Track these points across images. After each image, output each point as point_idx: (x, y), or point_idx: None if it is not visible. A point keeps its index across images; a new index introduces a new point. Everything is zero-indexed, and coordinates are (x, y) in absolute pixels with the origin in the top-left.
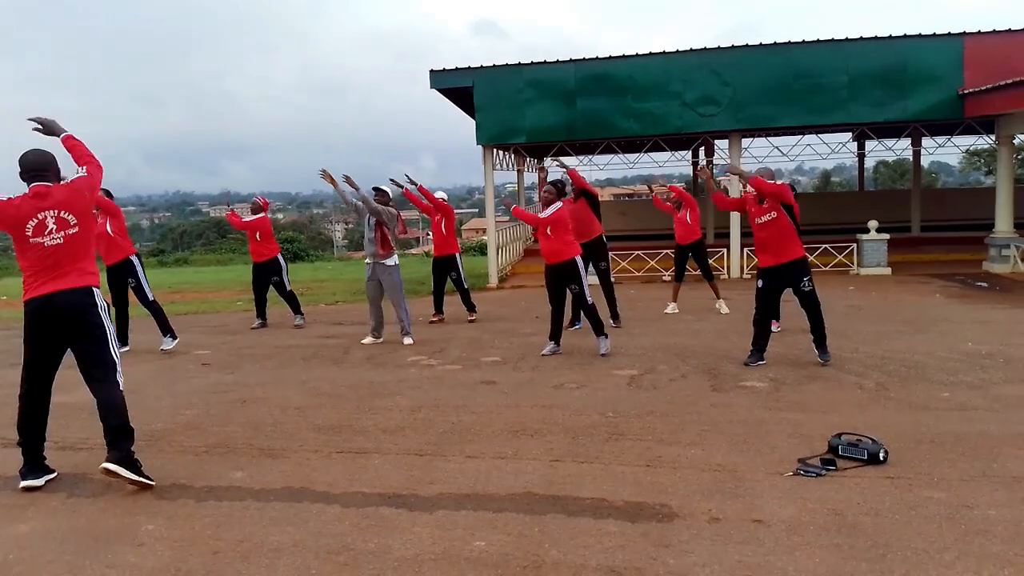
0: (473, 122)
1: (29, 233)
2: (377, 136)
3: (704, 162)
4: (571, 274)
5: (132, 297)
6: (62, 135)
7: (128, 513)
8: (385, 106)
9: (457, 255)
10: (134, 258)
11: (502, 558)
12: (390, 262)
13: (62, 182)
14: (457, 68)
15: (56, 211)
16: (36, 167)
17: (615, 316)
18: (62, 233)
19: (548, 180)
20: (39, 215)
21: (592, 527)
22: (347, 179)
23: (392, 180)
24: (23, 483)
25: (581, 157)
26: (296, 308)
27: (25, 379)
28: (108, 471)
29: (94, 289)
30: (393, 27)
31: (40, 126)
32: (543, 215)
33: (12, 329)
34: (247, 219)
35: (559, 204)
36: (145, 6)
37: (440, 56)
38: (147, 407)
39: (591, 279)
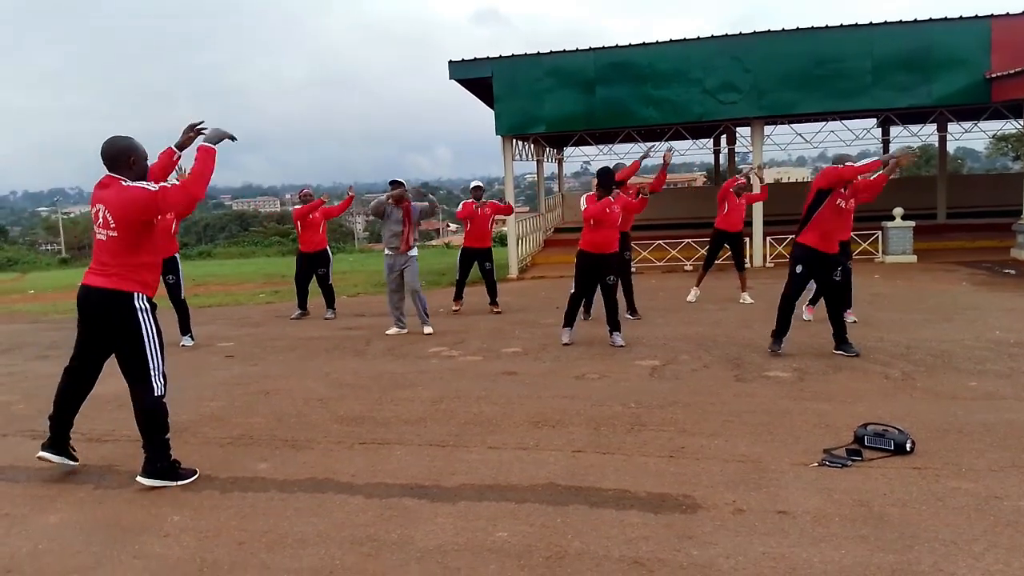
0: (491, 112)
1: (92, 221)
2: (391, 128)
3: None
4: (616, 264)
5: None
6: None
7: (154, 504)
8: (397, 97)
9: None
10: (177, 256)
11: (525, 549)
12: (413, 252)
13: (166, 183)
14: (476, 58)
15: (104, 207)
16: (105, 157)
17: (632, 309)
18: (105, 232)
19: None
20: (96, 206)
21: (615, 518)
22: (408, 199)
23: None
24: (40, 453)
25: (601, 146)
26: (331, 302)
27: (72, 356)
28: (142, 485)
29: (135, 294)
30: (396, 17)
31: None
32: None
33: (40, 323)
34: (327, 206)
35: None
36: (149, 3)
37: (445, 46)
38: (171, 399)
39: None
